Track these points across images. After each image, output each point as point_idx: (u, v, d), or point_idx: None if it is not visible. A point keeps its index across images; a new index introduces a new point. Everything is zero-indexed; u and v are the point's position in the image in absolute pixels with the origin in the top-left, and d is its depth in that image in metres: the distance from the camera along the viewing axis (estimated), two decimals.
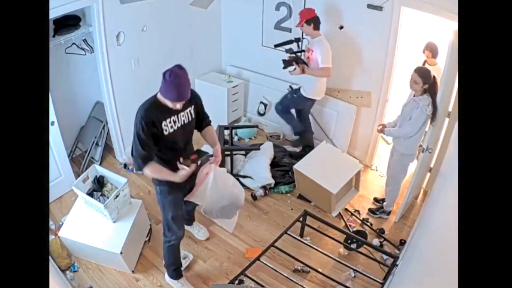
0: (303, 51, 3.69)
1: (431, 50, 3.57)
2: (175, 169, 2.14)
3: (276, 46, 3.75)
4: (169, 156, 2.17)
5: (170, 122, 2.08)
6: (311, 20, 3.47)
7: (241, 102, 4.79)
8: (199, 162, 2.20)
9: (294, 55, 3.56)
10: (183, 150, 2.25)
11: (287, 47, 3.60)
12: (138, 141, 1.99)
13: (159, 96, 2.04)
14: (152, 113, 2.00)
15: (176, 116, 2.11)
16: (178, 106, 2.03)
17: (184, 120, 2.18)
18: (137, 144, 2.00)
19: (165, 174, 2.14)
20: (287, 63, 3.56)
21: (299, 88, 3.82)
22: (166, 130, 2.07)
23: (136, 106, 4.04)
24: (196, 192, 2.33)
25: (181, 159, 2.13)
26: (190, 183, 2.33)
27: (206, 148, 4.24)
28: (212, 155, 2.31)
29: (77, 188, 2.81)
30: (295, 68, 3.60)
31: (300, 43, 3.68)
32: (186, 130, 2.21)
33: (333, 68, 3.98)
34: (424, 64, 3.61)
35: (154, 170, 2.10)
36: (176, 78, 1.91)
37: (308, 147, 4.03)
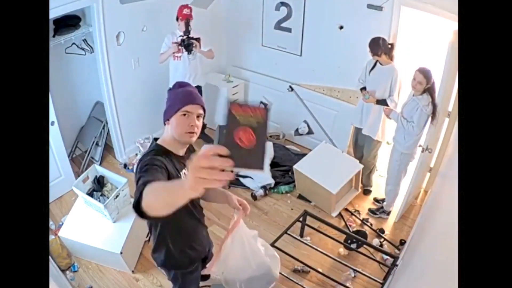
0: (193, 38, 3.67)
1: (369, 45, 3.10)
2: (197, 241, 1.81)
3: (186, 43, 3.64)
4: (193, 227, 1.77)
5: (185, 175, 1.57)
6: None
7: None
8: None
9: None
10: (200, 213, 1.85)
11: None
12: (144, 172, 1.38)
13: (163, 141, 1.60)
14: (164, 160, 1.48)
15: (186, 168, 1.60)
16: (183, 146, 1.60)
17: None
18: (142, 176, 1.35)
19: (173, 189, 1.01)
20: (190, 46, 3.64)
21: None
22: None
23: (136, 106, 3.99)
24: (217, 259, 1.79)
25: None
26: (208, 251, 1.96)
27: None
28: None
29: (77, 188, 2.81)
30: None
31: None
32: None
33: (332, 68, 4.01)
34: (375, 64, 3.22)
35: (156, 190, 1.09)
36: (184, 85, 1.64)
37: None
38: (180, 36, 3.59)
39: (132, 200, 3.13)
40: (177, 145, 1.60)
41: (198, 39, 3.63)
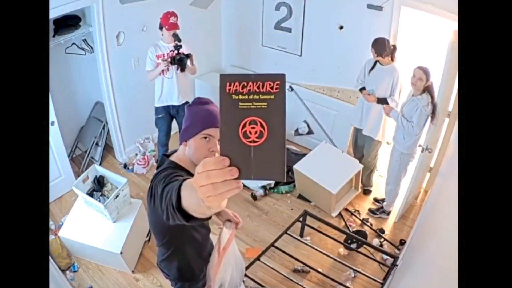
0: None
1: (374, 46, 3.09)
2: (206, 249, 1.73)
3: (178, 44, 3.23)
4: (203, 236, 1.70)
5: None
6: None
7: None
8: None
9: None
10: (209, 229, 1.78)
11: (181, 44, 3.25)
12: (171, 179, 1.22)
13: (177, 159, 1.48)
14: (185, 176, 1.33)
15: None
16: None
17: None
18: (170, 182, 1.19)
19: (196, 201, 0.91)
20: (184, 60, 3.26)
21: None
22: None
23: (136, 106, 3.96)
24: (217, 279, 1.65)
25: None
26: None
27: None
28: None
29: (77, 188, 2.81)
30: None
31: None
32: None
33: (332, 68, 4.02)
34: (375, 64, 3.22)
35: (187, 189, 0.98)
36: (205, 102, 1.46)
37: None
38: (171, 51, 3.21)
39: (132, 199, 3.14)
40: (194, 166, 1.44)
41: (189, 56, 3.25)
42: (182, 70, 3.27)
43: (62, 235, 2.85)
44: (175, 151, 1.54)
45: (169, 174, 1.27)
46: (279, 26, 4.17)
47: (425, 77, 2.76)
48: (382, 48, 3.07)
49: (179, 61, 3.19)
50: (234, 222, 1.77)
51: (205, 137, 1.41)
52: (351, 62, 3.78)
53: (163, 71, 3.28)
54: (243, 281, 2.45)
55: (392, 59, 3.16)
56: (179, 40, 3.18)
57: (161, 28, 3.23)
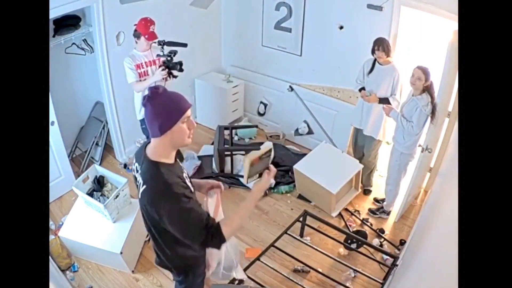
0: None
1: (385, 46, 3.06)
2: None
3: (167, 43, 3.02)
4: None
5: (188, 180, 1.64)
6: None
7: (241, 102, 4.80)
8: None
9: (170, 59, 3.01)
10: None
11: (176, 49, 3.01)
12: (190, 215, 1.43)
13: (157, 156, 1.52)
14: (175, 178, 1.49)
15: (182, 172, 1.62)
16: (172, 157, 1.57)
17: (189, 174, 1.72)
18: (191, 219, 1.43)
19: (249, 208, 1.71)
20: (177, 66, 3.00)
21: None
22: (192, 188, 1.64)
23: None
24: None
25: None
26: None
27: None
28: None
29: (77, 188, 2.81)
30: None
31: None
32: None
33: (332, 68, 4.02)
34: (374, 62, 3.19)
35: (232, 223, 1.55)
36: (158, 89, 1.45)
37: None
38: (167, 57, 2.97)
39: (132, 199, 3.14)
40: (170, 153, 1.55)
41: (181, 63, 3.00)
42: (175, 76, 3.08)
43: (62, 235, 2.85)
44: (149, 142, 1.58)
45: (175, 195, 1.42)
46: (279, 26, 4.17)
47: (424, 76, 2.76)
48: (389, 46, 3.08)
49: (180, 64, 2.97)
50: (216, 188, 1.89)
51: (183, 121, 1.49)
52: (351, 62, 3.78)
53: (141, 79, 3.08)
54: (243, 280, 2.47)
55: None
56: (178, 45, 3.01)
57: (137, 36, 3.03)
